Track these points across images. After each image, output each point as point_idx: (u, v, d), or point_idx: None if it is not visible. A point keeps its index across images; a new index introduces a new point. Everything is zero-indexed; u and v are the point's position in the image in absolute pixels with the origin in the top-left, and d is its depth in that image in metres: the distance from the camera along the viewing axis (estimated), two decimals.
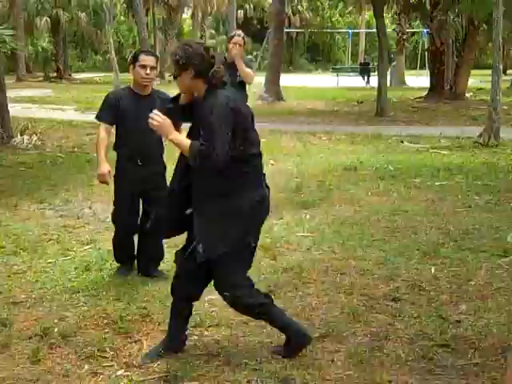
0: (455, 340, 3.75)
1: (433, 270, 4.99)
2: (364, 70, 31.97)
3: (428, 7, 21.03)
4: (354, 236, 5.98)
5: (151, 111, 4.21)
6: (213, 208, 3.41)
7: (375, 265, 5.17)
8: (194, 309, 4.27)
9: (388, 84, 30.67)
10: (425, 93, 22.62)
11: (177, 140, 3.35)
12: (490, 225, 6.18)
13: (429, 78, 22.80)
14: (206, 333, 3.96)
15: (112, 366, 3.57)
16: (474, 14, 16.93)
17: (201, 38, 49.14)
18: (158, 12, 41.71)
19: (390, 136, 12.85)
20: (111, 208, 7.01)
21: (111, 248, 5.61)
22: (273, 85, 21.33)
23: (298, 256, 5.47)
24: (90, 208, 7.17)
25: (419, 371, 3.42)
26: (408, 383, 3.31)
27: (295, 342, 3.64)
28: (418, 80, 31.92)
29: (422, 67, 40.57)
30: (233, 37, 7.33)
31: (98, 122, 4.85)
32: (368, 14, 44.82)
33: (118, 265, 5.15)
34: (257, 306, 3.55)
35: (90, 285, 4.77)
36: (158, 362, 3.57)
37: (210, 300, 4.45)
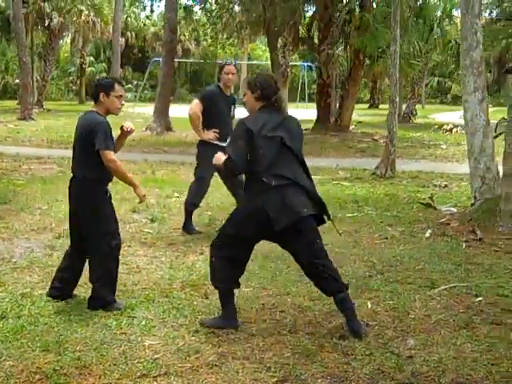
0: (415, 378, 3.70)
1: (369, 305, 4.97)
2: None
3: (316, 41, 21.67)
4: (281, 271, 5.89)
5: None
6: None
7: (310, 300, 5.08)
8: (134, 357, 4.00)
9: None
10: (308, 125, 23.23)
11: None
12: (411, 256, 6.30)
13: (312, 110, 23.43)
14: None
15: None
16: (366, 49, 17.62)
17: (81, 65, 48.03)
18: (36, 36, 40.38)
19: None
20: (14, 246, 6.55)
21: (25, 290, 5.21)
22: (162, 115, 21.07)
23: None
24: None
25: None
26: None
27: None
28: (298, 112, 32.83)
29: (301, 100, 41.89)
30: (224, 66, 7.08)
31: (107, 151, 4.57)
32: (249, 47, 45.83)
33: (43, 310, 4.75)
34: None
35: (9, 335, 4.32)
36: None
37: (151, 346, 4.18)
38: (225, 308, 4.51)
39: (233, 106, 7.24)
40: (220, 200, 9.20)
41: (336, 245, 6.77)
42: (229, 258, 4.44)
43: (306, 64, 39.84)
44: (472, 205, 7.65)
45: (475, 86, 7.62)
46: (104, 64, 53.58)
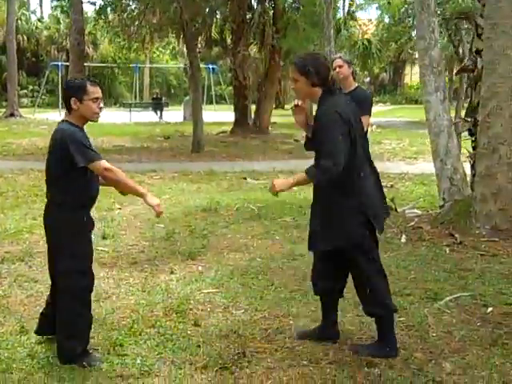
0: None
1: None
2: (157, 106, 31.51)
3: (230, 42, 21.27)
4: (267, 288, 5.38)
5: None
6: None
7: (314, 322, 4.59)
8: None
9: (182, 119, 30.80)
10: (224, 127, 22.82)
11: (294, 183, 3.88)
12: (397, 264, 5.94)
13: (222, 112, 22.93)
14: None
15: None
16: (297, 49, 17.38)
17: None
18: None
19: (223, 172, 12.46)
20: None
21: None
22: None
23: (220, 318, 4.72)
24: None
25: None
26: None
27: None
28: (207, 114, 32.29)
29: (207, 103, 41.38)
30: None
31: (95, 162, 3.76)
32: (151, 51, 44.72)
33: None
34: None
35: None
36: None
37: None
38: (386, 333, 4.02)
39: None
40: (166, 210, 8.54)
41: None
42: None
43: (210, 66, 39.42)
44: (441, 207, 7.43)
45: (436, 86, 7.41)
46: None
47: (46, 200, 4.04)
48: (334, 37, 27.38)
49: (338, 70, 6.43)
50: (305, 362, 3.92)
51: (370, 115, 6.44)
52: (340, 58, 6.55)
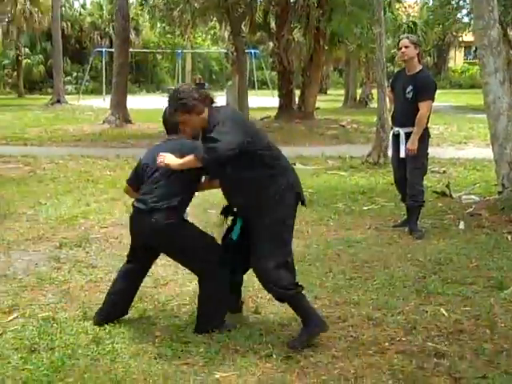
0: None
1: (444, 312, 4.45)
2: None
3: (274, 27, 21.06)
4: (326, 275, 5.31)
5: None
6: None
7: (377, 310, 4.53)
8: None
9: (225, 104, 30.78)
10: (269, 112, 22.68)
11: (184, 163, 3.93)
12: (457, 252, 5.81)
13: (263, 98, 22.72)
14: None
15: None
16: (344, 32, 17.13)
17: (17, 57, 45.97)
18: None
19: None
20: (13, 260, 5.79)
21: (45, 314, 4.48)
22: (119, 106, 20.00)
23: (279, 306, 4.61)
24: None
25: None
26: None
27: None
28: (249, 99, 32.19)
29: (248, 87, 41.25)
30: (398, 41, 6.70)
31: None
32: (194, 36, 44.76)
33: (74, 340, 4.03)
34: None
35: (50, 373, 3.60)
36: None
37: (224, 379, 3.54)
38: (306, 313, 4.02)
39: (410, 86, 6.31)
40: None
41: (369, 242, 6.25)
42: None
43: (252, 51, 39.27)
44: (499, 193, 7.22)
45: (495, 67, 7.17)
46: (41, 55, 51.60)
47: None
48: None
49: (403, 50, 6.37)
50: (370, 352, 3.85)
51: (432, 100, 6.29)
52: (407, 38, 6.50)
